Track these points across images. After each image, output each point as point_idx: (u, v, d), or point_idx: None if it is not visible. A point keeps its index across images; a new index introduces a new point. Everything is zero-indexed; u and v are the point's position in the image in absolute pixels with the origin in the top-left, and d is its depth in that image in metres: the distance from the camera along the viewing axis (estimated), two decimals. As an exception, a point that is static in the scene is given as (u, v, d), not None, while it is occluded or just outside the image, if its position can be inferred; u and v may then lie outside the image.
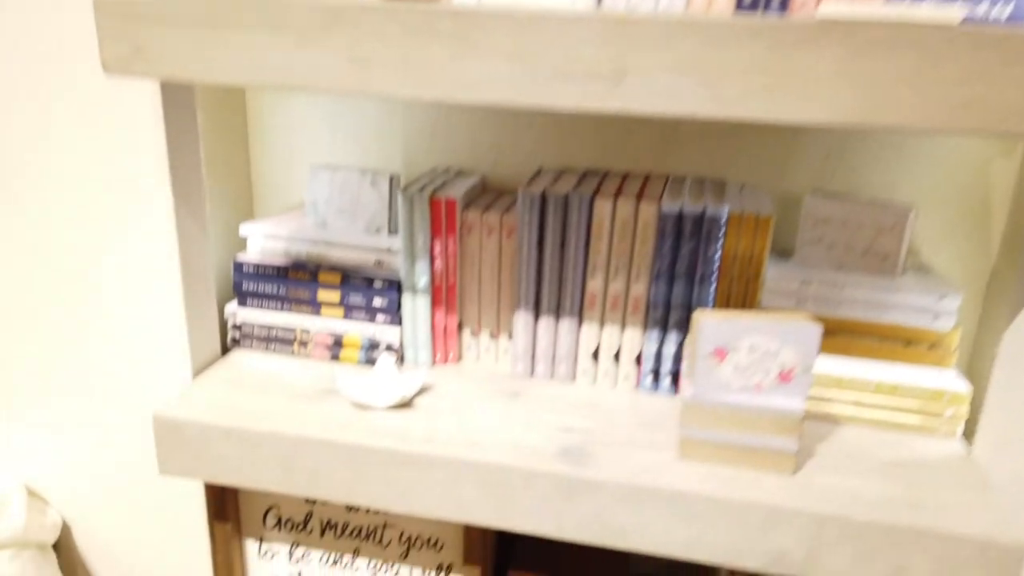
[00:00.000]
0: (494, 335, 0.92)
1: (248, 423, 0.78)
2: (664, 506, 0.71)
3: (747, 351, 0.70)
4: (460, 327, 0.92)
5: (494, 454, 0.74)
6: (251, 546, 0.93)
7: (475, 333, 0.92)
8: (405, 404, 0.83)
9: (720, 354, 0.70)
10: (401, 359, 0.91)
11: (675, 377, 0.86)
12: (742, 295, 0.82)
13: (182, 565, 0.96)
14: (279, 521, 0.91)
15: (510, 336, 0.91)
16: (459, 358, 0.93)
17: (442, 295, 0.89)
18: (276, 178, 1.03)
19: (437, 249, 0.87)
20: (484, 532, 0.84)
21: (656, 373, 0.87)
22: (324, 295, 0.90)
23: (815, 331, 0.69)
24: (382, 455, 0.75)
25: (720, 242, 0.80)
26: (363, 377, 0.86)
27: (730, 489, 0.70)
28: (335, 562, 0.91)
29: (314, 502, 0.89)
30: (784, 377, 0.71)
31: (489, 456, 0.74)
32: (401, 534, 0.89)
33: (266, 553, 0.93)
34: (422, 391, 0.85)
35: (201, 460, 0.80)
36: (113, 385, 0.89)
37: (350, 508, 0.89)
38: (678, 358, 0.86)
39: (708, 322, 0.70)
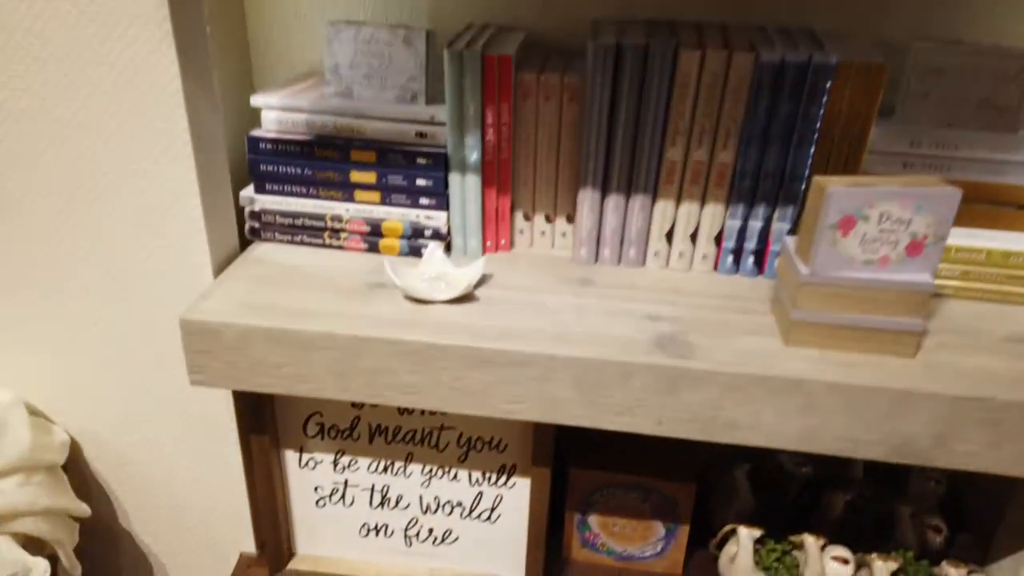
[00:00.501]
0: (550, 218, 0.82)
1: (296, 324, 0.67)
2: (778, 396, 0.64)
3: (877, 221, 0.62)
4: (512, 210, 0.81)
5: (584, 348, 0.66)
6: (291, 457, 0.84)
7: (528, 216, 0.82)
8: (467, 297, 0.73)
9: (846, 225, 0.62)
10: (447, 248, 0.80)
11: (758, 257, 0.78)
12: (843, 160, 0.73)
13: (212, 482, 0.88)
14: (322, 429, 0.82)
15: (568, 219, 0.81)
16: (510, 246, 0.83)
17: (494, 172, 0.78)
18: (277, 40, 0.88)
19: (490, 118, 0.75)
20: (550, 430, 0.77)
21: (737, 253, 0.79)
22: (358, 176, 0.78)
23: (954, 197, 0.61)
24: (456, 355, 0.66)
25: (825, 98, 0.70)
26: (413, 268, 0.76)
27: (851, 375, 0.63)
28: (386, 469, 0.84)
29: (361, 406, 0.81)
30: (913, 249, 0.63)
31: (580, 351, 0.65)
32: (459, 436, 0.81)
33: (308, 463, 0.84)
34: (481, 282, 0.76)
35: (240, 369, 0.69)
36: (118, 285, 0.77)
37: (402, 411, 0.80)
38: (764, 235, 0.77)
39: (836, 190, 0.61)
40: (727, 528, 0.88)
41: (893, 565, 0.82)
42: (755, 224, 0.76)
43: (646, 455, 0.91)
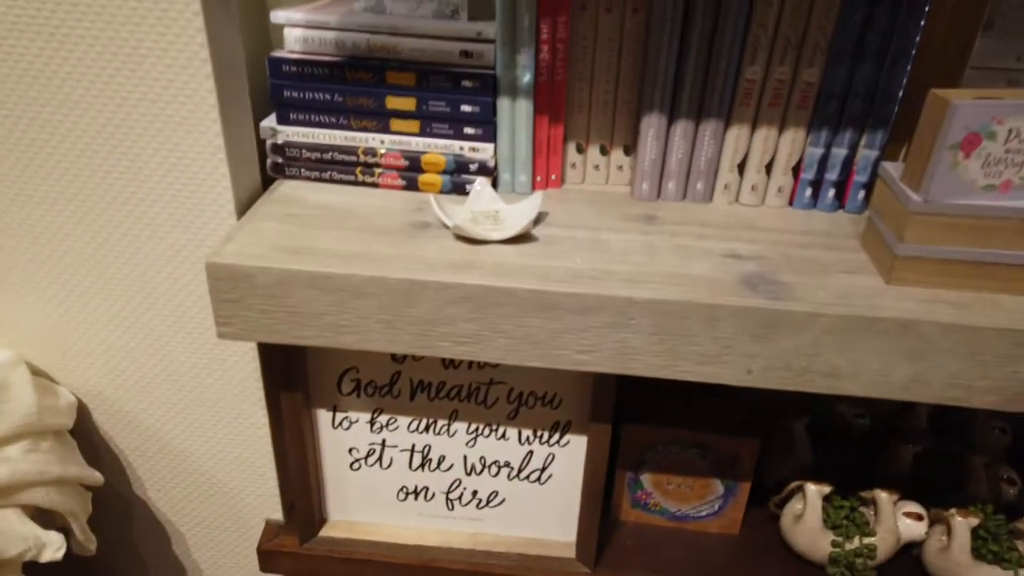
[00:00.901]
0: (606, 149, 0.74)
1: (342, 268, 0.59)
2: (884, 340, 0.57)
3: (1004, 140, 0.54)
4: (564, 141, 0.73)
5: (665, 290, 0.58)
6: (323, 417, 0.77)
7: (582, 148, 0.74)
8: (525, 236, 0.65)
9: (970, 144, 0.54)
10: (493, 185, 0.72)
11: (839, 189, 0.71)
12: (941, 78, 0.65)
13: (236, 445, 0.81)
14: (358, 386, 0.75)
15: (625, 150, 0.74)
16: (561, 182, 0.75)
17: (547, 97, 0.70)
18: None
19: (544, 33, 0.67)
20: (611, 383, 0.70)
21: (816, 185, 0.71)
22: (395, 102, 0.69)
23: (1093, 110, 0.53)
24: (520, 299, 0.59)
25: (927, 7, 0.62)
26: (460, 207, 0.68)
27: (968, 315, 0.57)
28: (427, 428, 0.77)
29: (402, 360, 0.73)
30: (1040, 173, 0.56)
31: (660, 292, 0.58)
32: (510, 392, 0.74)
33: (342, 423, 0.77)
34: (536, 221, 0.68)
35: (276, 319, 0.62)
36: (130, 228, 0.68)
37: (447, 365, 0.73)
38: (848, 164, 0.70)
39: (962, 103, 0.53)
40: (793, 485, 0.82)
41: (974, 521, 0.77)
42: (839, 152, 0.69)
43: (701, 409, 0.84)
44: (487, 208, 0.68)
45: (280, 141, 0.72)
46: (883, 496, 0.79)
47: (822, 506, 0.80)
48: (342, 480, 0.81)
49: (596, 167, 0.75)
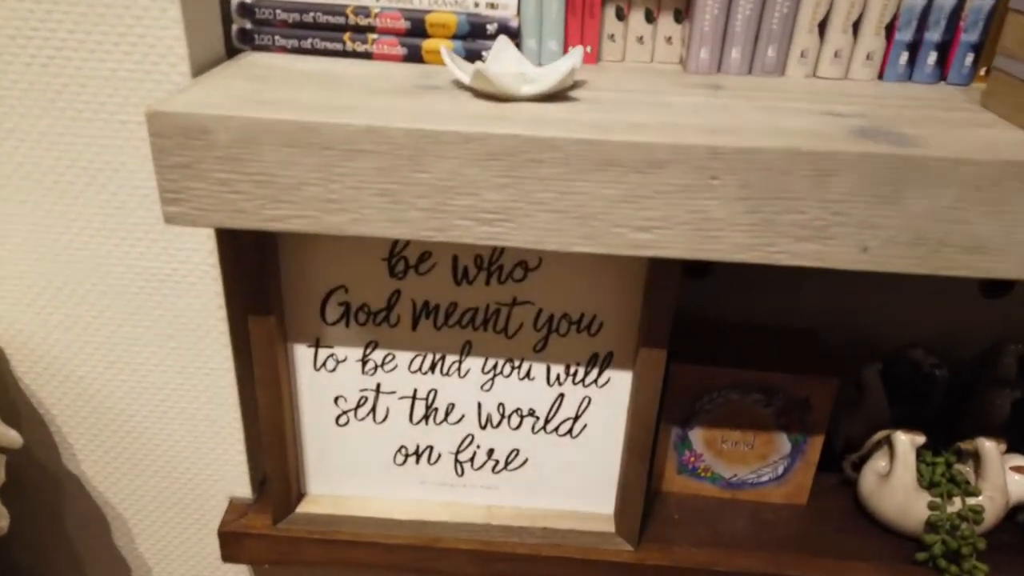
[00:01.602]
0: (652, 15, 0.60)
1: (328, 117, 0.45)
2: (1047, 198, 0.43)
3: None
4: (602, 3, 0.59)
5: (758, 139, 0.44)
6: (302, 356, 0.61)
7: (623, 13, 0.60)
8: (561, 96, 0.51)
9: None
10: (515, 55, 0.58)
11: (943, 52, 0.58)
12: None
13: (190, 397, 0.65)
14: (347, 311, 0.59)
15: (676, 16, 0.60)
16: (596, 58, 0.61)
17: (584, -61, 0.56)
18: None
19: None
20: (669, 294, 0.56)
21: (914, 48, 0.58)
22: (394, -56, 0.55)
23: None
24: (566, 154, 0.44)
25: None
26: (482, 64, 0.54)
27: None
28: (433, 366, 0.61)
29: (402, 276, 0.58)
30: None
31: (753, 141, 0.44)
32: (538, 315, 0.59)
33: (326, 363, 0.61)
34: (574, 86, 0.54)
35: (240, 192, 0.46)
36: (51, 104, 0.53)
37: (459, 279, 0.58)
38: (954, 19, 0.56)
39: None
40: (878, 436, 0.67)
41: (1104, 473, 0.63)
42: (944, 2, 0.56)
43: (763, 348, 0.70)
44: (511, 70, 0.54)
45: (249, 1, 0.57)
46: (988, 446, 0.65)
47: (916, 460, 0.66)
48: (325, 440, 0.65)
49: (640, 39, 0.61)
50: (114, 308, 0.61)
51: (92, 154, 0.55)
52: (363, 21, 0.57)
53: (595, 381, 0.61)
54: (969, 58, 0.58)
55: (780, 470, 0.70)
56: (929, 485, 0.66)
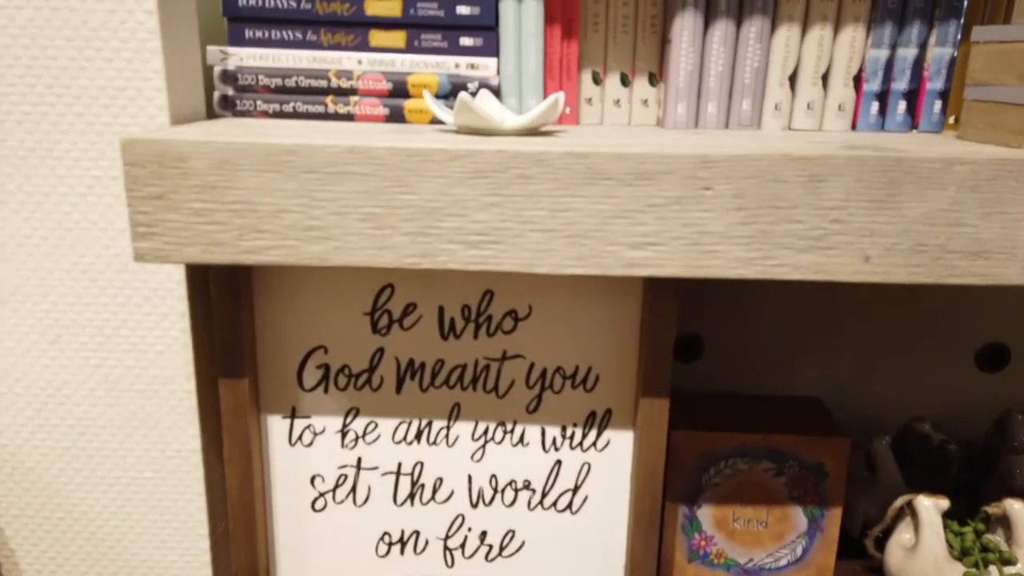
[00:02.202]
0: (627, 79, 0.62)
1: (310, 141, 0.44)
2: (1043, 195, 0.43)
3: None
4: (579, 68, 0.61)
5: (748, 148, 0.44)
6: (277, 429, 0.57)
7: (599, 78, 0.62)
8: (543, 132, 0.51)
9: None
10: (495, 116, 0.59)
11: (911, 100, 0.59)
12: (1015, -46, 0.56)
13: (149, 475, 0.59)
14: (326, 374, 0.56)
15: (651, 79, 0.62)
16: (576, 119, 0.62)
17: (559, 2, 0.59)
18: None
19: (553, -75, 0.57)
20: (667, 337, 0.53)
21: (883, 98, 0.60)
22: (375, 7, 0.57)
23: None
24: (556, 169, 0.43)
25: None
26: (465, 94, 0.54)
27: None
28: (419, 435, 0.57)
29: (386, 332, 0.55)
30: None
31: (742, 149, 0.43)
32: (529, 370, 0.56)
33: (303, 436, 0.57)
34: (554, 135, 0.54)
35: (216, 223, 0.44)
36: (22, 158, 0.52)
37: (446, 335, 0.55)
38: (918, 68, 0.59)
39: None
40: (899, 502, 0.63)
41: None
42: (906, 52, 0.58)
43: (768, 414, 0.66)
44: (493, 109, 0.54)
45: (232, 67, 0.58)
46: (1019, 508, 0.61)
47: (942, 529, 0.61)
48: (300, 530, 0.59)
49: (616, 102, 0.62)
50: (73, 385, 0.57)
51: (62, 214, 0.53)
52: (345, 84, 0.58)
53: (594, 444, 0.57)
54: (937, 105, 0.59)
55: (799, 551, 0.65)
56: (961, 554, 0.61)
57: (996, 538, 0.62)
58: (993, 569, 0.60)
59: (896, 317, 0.76)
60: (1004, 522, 0.62)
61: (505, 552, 0.59)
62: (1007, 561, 0.60)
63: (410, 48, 0.58)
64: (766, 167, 0.43)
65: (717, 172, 0.43)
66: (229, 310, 0.52)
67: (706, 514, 0.64)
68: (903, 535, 0.63)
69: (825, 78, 0.59)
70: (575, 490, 0.58)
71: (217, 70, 0.58)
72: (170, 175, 0.44)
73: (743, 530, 0.64)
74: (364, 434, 0.57)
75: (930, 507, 0.61)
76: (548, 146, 0.44)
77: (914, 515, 0.62)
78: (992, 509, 0.62)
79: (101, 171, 0.53)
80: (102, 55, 0.50)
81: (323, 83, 0.58)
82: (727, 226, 0.44)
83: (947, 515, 0.62)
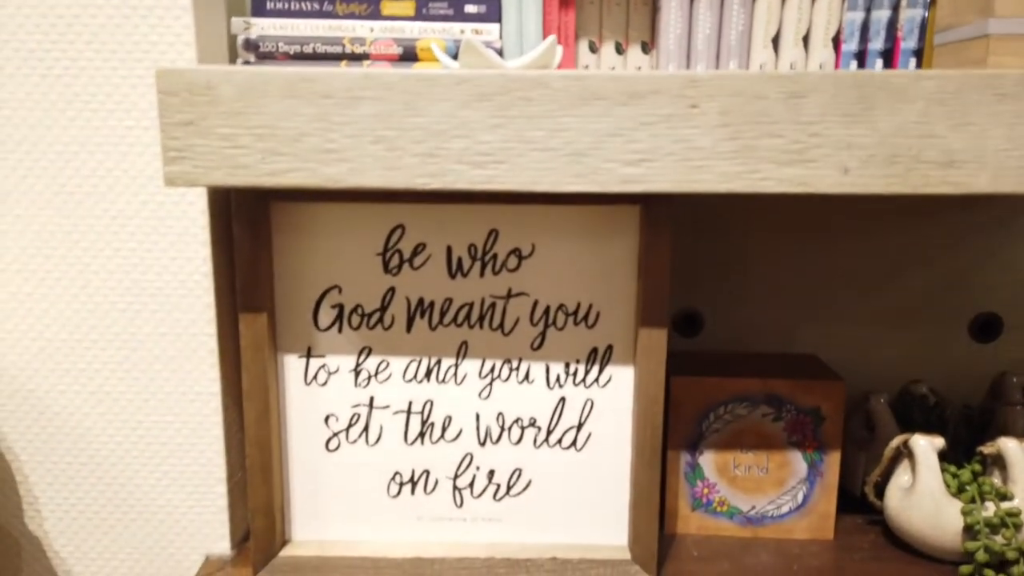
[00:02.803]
0: (621, 47, 0.66)
1: (327, 69, 0.48)
2: (1009, 106, 0.46)
3: None
4: (576, 38, 0.66)
5: (734, 72, 0.48)
6: (293, 369, 0.59)
7: (595, 47, 0.66)
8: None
9: None
10: (499, 79, 0.63)
11: (887, 58, 0.64)
12: (976, -80, 0.61)
13: (169, 420, 0.61)
14: (340, 313, 0.59)
15: (643, 48, 0.66)
16: (573, 86, 0.66)
17: (556, -25, 0.63)
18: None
19: (550, -98, 0.62)
20: (664, 267, 0.56)
21: (861, 56, 0.64)
22: (387, -20, 0.62)
23: None
24: (555, 91, 0.47)
25: None
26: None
27: (1097, 70, 0.47)
28: (428, 373, 0.59)
29: (396, 272, 0.58)
30: None
31: (729, 73, 0.47)
32: (533, 307, 0.59)
33: (318, 375, 0.59)
34: (555, 80, 0.58)
35: (241, 147, 0.48)
36: (58, 133, 0.56)
37: (454, 273, 0.58)
38: (892, 28, 0.63)
39: None
40: (895, 442, 0.64)
41: None
42: (881, 14, 0.62)
43: (765, 363, 0.69)
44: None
45: (254, 35, 0.62)
46: (1012, 446, 0.62)
47: (940, 468, 0.63)
48: (314, 471, 0.61)
49: (612, 69, 0.66)
50: (99, 329, 0.60)
51: (96, 163, 0.57)
52: (359, 49, 0.62)
53: (596, 380, 0.59)
54: (912, 63, 0.63)
55: (800, 497, 0.66)
56: (958, 491, 0.62)
57: (994, 480, 0.64)
58: (990, 504, 0.61)
59: (891, 289, 0.78)
60: (999, 462, 0.63)
61: (512, 491, 0.61)
62: (1003, 496, 0.61)
63: (419, 15, 0.62)
64: (748, 85, 0.47)
65: (703, 91, 0.47)
66: (249, 247, 0.55)
67: (708, 461, 0.66)
68: (901, 477, 0.64)
69: (806, 39, 0.63)
70: (579, 427, 0.60)
71: (240, 39, 0.62)
72: (199, 102, 0.48)
73: (744, 476, 0.66)
74: (376, 373, 0.59)
75: (926, 445, 0.62)
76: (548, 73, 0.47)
77: (911, 456, 0.63)
78: (987, 449, 0.63)
79: (133, 121, 0.57)
80: (141, 22, 0.55)
81: (338, 49, 0.62)
82: (714, 142, 0.47)
83: (944, 460, 0.64)
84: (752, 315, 0.79)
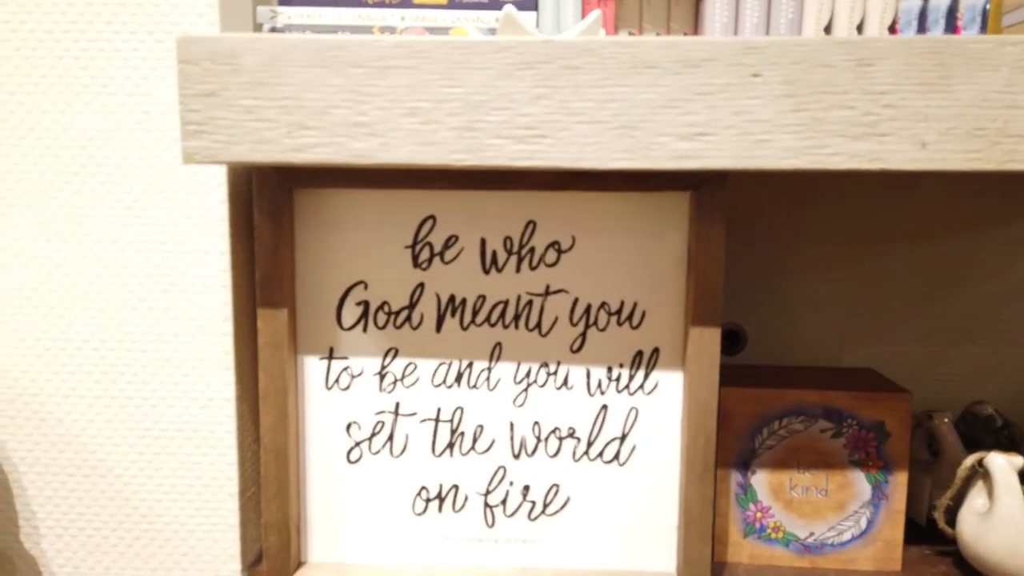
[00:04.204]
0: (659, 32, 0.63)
1: (357, 36, 0.45)
2: None
3: None
4: (616, 29, 0.63)
5: (797, 39, 0.44)
6: (313, 371, 0.55)
7: (635, 30, 0.63)
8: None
9: None
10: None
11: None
12: (1040, -97, 0.58)
13: (181, 425, 0.57)
14: (366, 311, 0.54)
15: (684, 32, 0.63)
16: (612, 80, 0.63)
17: (595, -36, 0.61)
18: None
19: None
20: (717, 265, 0.52)
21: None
22: (420, -32, 0.60)
23: None
24: (603, 60, 0.44)
25: None
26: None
27: None
28: (459, 378, 0.55)
29: (427, 266, 0.54)
30: None
31: (787, 38, 0.44)
32: (573, 305, 0.54)
33: (340, 379, 0.55)
34: (597, 65, 0.55)
35: (264, 121, 0.45)
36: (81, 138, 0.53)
37: (488, 268, 0.54)
38: (952, 15, 0.59)
39: None
40: (968, 462, 0.59)
41: None
42: (939, 2, 0.59)
43: (819, 378, 0.64)
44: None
45: (280, 24, 0.60)
46: (1099, 465, 0.56)
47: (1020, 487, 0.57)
48: (333, 484, 0.56)
49: (653, 62, 0.63)
50: (108, 328, 0.56)
51: (111, 149, 0.54)
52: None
53: (641, 387, 0.54)
54: (975, 51, 0.59)
55: (863, 523, 0.60)
56: (1042, 514, 0.56)
57: (1077, 506, 0.58)
58: (1079, 531, 0.55)
59: (948, 304, 0.74)
60: (1085, 485, 0.57)
61: (549, 510, 0.56)
62: (1093, 521, 0.55)
63: (451, 3, 0.60)
64: (811, 52, 0.43)
65: (763, 58, 0.43)
66: (271, 237, 0.52)
67: (761, 481, 0.60)
68: (975, 501, 0.58)
69: (859, 29, 0.60)
70: (623, 439, 0.55)
71: (266, 27, 0.60)
72: (222, 72, 0.45)
73: (801, 499, 0.60)
74: (403, 376, 0.55)
75: (1004, 465, 0.57)
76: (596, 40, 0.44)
77: (986, 477, 0.58)
78: (1070, 469, 0.58)
79: (152, 106, 0.54)
80: (164, 4, 0.52)
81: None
82: (777, 113, 0.43)
83: (1021, 482, 0.58)
84: (799, 330, 0.74)
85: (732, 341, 0.76)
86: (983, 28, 0.59)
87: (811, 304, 0.74)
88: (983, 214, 0.72)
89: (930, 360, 0.74)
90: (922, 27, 0.60)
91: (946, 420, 0.66)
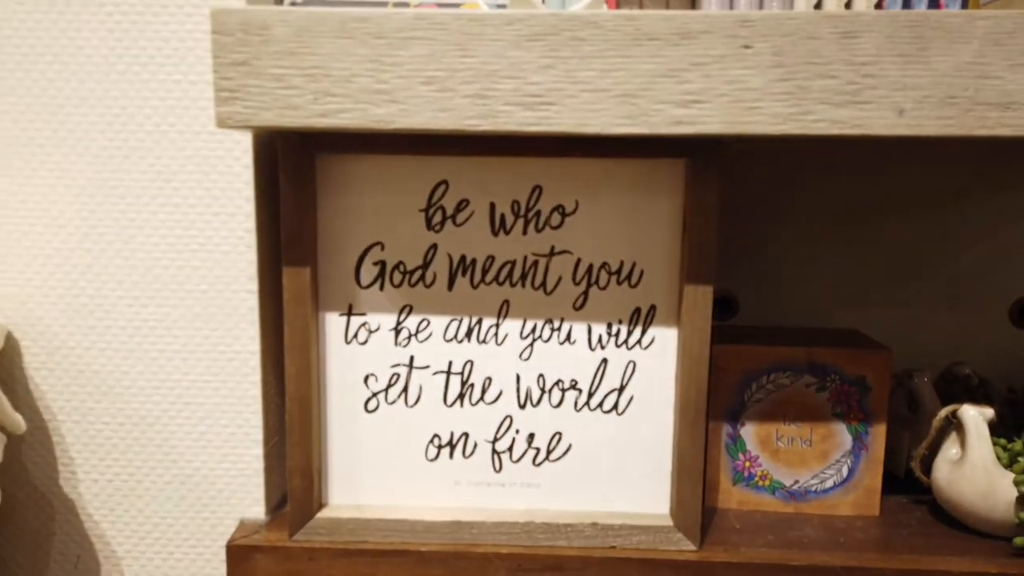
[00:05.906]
0: (662, 17, 0.66)
1: (380, 9, 0.48)
2: (1063, 47, 0.46)
3: None
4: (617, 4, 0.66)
5: (785, 13, 0.48)
6: (333, 327, 0.59)
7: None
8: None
9: None
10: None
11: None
12: None
13: (208, 378, 0.61)
14: (382, 270, 0.58)
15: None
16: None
17: (598, -56, 0.64)
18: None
19: None
20: (711, 227, 0.55)
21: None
22: (432, -54, 0.63)
23: None
24: (605, 31, 0.47)
25: None
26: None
27: None
28: (469, 333, 0.59)
29: (439, 228, 0.58)
30: None
31: (780, 13, 0.47)
32: (576, 266, 0.58)
33: (358, 334, 0.59)
34: (600, 40, 0.58)
35: (293, 88, 0.48)
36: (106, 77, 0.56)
37: (496, 231, 0.58)
38: (934, -6, 0.63)
39: None
40: (943, 413, 0.63)
41: None
42: (923, -19, 0.63)
43: (805, 336, 0.68)
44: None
45: (300, 2, 0.63)
46: (1065, 416, 0.61)
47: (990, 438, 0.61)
48: (352, 432, 0.60)
49: (652, 38, 0.66)
50: (141, 286, 0.60)
51: (143, 116, 0.58)
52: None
53: (639, 342, 0.58)
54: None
55: (844, 471, 0.64)
56: (1010, 462, 0.60)
57: (1042, 456, 0.62)
58: (1044, 476, 0.59)
59: (930, 273, 0.77)
60: (1052, 436, 0.62)
61: (552, 456, 0.60)
62: (1058, 467, 0.59)
63: (463, -20, 0.63)
64: (801, 24, 0.47)
65: (756, 31, 0.47)
66: (295, 200, 0.55)
67: (749, 433, 0.65)
68: (949, 450, 0.63)
69: (848, 5, 0.63)
70: (621, 390, 0.59)
71: (287, 2, 0.63)
72: (253, 42, 0.48)
73: (787, 449, 0.65)
74: (417, 332, 0.59)
75: (976, 415, 0.61)
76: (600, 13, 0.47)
77: (960, 427, 0.62)
78: (1039, 421, 0.62)
79: (181, 75, 0.57)
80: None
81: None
82: (767, 82, 0.47)
83: (993, 433, 0.62)
84: (788, 298, 0.78)
85: (725, 308, 0.80)
86: (964, 6, 0.63)
87: (801, 274, 0.78)
88: (967, 186, 0.76)
89: (913, 324, 0.78)
90: (907, 3, 0.63)
91: (925, 379, 0.70)
